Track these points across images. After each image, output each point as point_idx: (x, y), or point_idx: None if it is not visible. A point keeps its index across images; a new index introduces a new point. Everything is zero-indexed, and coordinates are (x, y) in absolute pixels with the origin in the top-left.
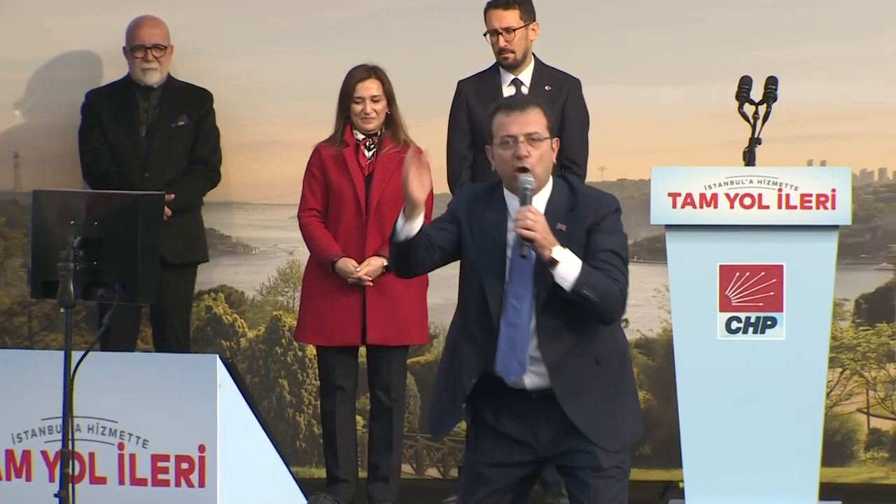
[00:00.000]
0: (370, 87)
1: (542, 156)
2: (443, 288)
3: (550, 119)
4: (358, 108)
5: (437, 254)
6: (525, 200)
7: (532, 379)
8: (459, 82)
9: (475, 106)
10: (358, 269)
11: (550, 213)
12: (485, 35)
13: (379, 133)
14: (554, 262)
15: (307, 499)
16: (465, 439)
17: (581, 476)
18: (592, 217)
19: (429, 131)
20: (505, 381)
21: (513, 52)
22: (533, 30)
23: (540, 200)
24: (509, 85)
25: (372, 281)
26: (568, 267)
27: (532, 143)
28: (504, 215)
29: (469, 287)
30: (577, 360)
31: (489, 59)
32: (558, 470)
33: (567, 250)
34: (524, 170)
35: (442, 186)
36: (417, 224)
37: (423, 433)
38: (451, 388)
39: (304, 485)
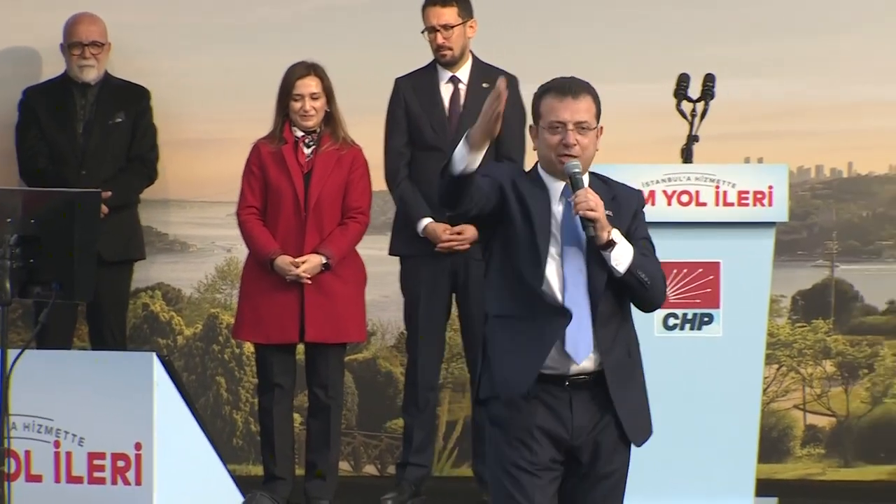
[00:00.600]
0: (309, 85)
1: (588, 144)
2: (380, 285)
3: (599, 106)
4: (297, 105)
5: (484, 201)
6: (578, 184)
7: (584, 363)
8: (397, 80)
9: (413, 103)
10: (296, 267)
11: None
12: (423, 32)
13: (318, 130)
14: (611, 245)
15: (244, 496)
16: (481, 438)
17: (592, 476)
18: (636, 205)
19: (367, 128)
20: (575, 361)
21: (450, 49)
22: (471, 27)
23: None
24: (447, 82)
25: (310, 278)
26: (623, 249)
27: (581, 132)
28: (547, 197)
29: (524, 266)
30: (618, 349)
31: (427, 57)
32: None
33: (620, 234)
34: (569, 157)
35: (380, 184)
36: (479, 158)
37: (361, 430)
38: (527, 340)
39: (241, 482)
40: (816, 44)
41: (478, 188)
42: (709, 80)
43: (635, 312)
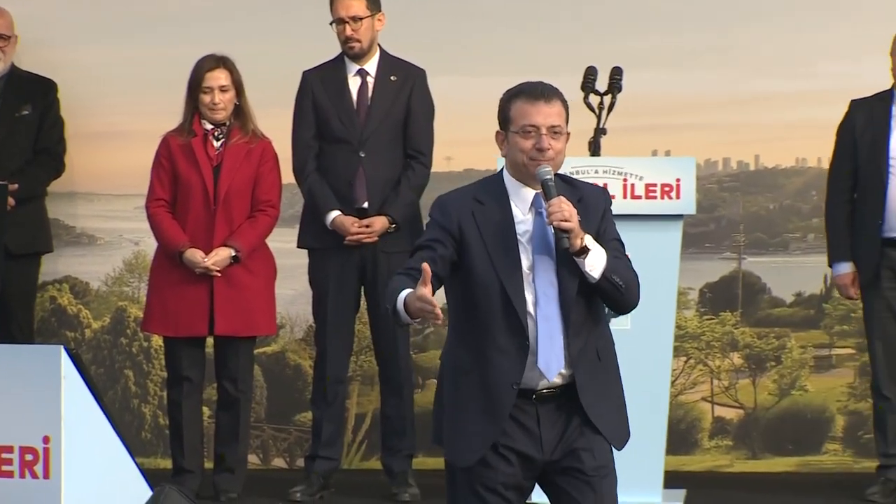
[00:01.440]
0: (218, 78)
1: (560, 149)
2: (289, 278)
3: (568, 111)
4: (206, 98)
5: (444, 270)
6: (551, 192)
7: (555, 378)
8: (304, 73)
9: (320, 95)
10: (205, 260)
11: None
12: (331, 24)
13: (227, 123)
14: (584, 251)
15: (152, 489)
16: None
17: (584, 477)
18: (603, 205)
19: (275, 121)
20: (546, 378)
21: (359, 41)
22: (379, 20)
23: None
24: (355, 75)
25: (219, 271)
26: (597, 255)
27: (553, 136)
28: (509, 208)
29: (482, 297)
30: (588, 354)
31: (335, 49)
32: (547, 474)
33: (591, 238)
34: (541, 162)
35: (288, 177)
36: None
37: (270, 423)
38: (481, 408)
39: (150, 475)
40: (724, 36)
41: (434, 262)
42: (616, 73)
43: None
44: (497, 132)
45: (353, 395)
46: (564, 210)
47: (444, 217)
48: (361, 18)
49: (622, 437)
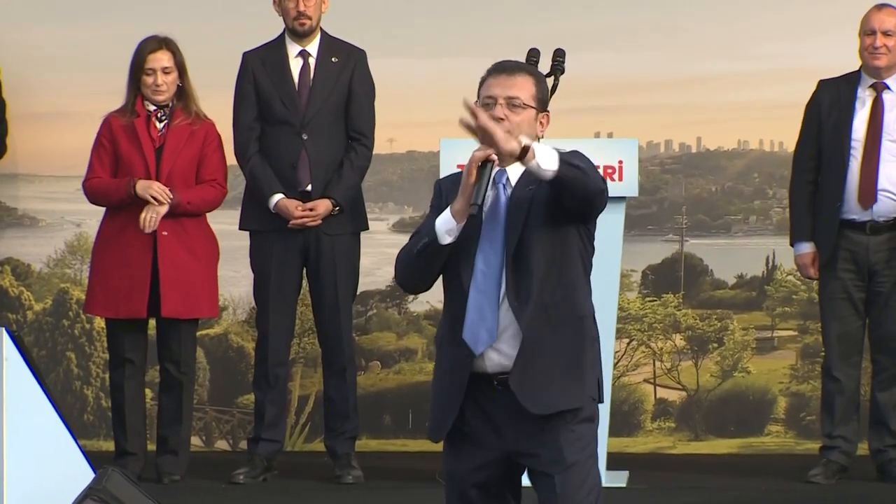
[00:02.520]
0: (161, 59)
1: (520, 123)
2: (231, 261)
3: (542, 91)
4: (149, 79)
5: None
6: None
7: (494, 358)
8: (245, 54)
9: (262, 77)
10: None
11: (524, 178)
12: (275, 0)
13: (170, 104)
14: (526, 151)
15: (95, 472)
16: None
17: (547, 473)
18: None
19: (217, 102)
20: (473, 353)
21: (310, 18)
22: (325, 1)
23: (516, 168)
24: (296, 56)
25: (160, 201)
26: (542, 150)
27: (512, 109)
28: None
29: (450, 271)
30: (534, 334)
31: (277, 30)
32: (528, 470)
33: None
34: None
35: (231, 158)
36: (461, 227)
37: (213, 405)
38: (444, 382)
39: (93, 458)
40: (667, 18)
41: None
42: (558, 54)
43: None
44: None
45: (296, 377)
46: (485, 126)
47: (436, 198)
48: None
49: (550, 402)
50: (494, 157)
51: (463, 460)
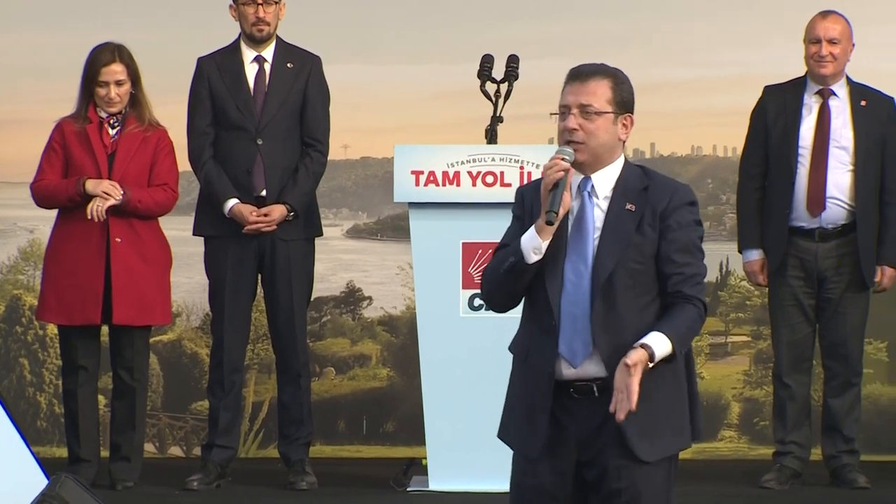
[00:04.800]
0: (115, 72)
1: (595, 130)
2: (184, 267)
3: (622, 93)
4: (102, 91)
5: None
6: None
7: (588, 367)
8: (200, 59)
9: (217, 82)
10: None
11: (619, 192)
12: (233, 6)
13: (123, 111)
14: (649, 359)
15: (48, 478)
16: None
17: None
18: (667, 201)
19: (171, 108)
20: (572, 366)
21: (268, 24)
22: (282, 8)
23: (607, 180)
24: (252, 62)
25: (109, 195)
26: (658, 347)
27: (586, 116)
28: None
29: (535, 282)
30: (627, 344)
31: (231, 36)
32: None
33: (649, 339)
34: (569, 143)
35: (184, 164)
36: (547, 243)
37: (167, 412)
38: (526, 395)
39: (46, 464)
40: (620, 25)
41: None
42: (512, 61)
43: (441, 293)
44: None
45: (250, 383)
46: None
47: (518, 207)
48: (273, 3)
49: (660, 448)
50: (568, 166)
51: (538, 474)
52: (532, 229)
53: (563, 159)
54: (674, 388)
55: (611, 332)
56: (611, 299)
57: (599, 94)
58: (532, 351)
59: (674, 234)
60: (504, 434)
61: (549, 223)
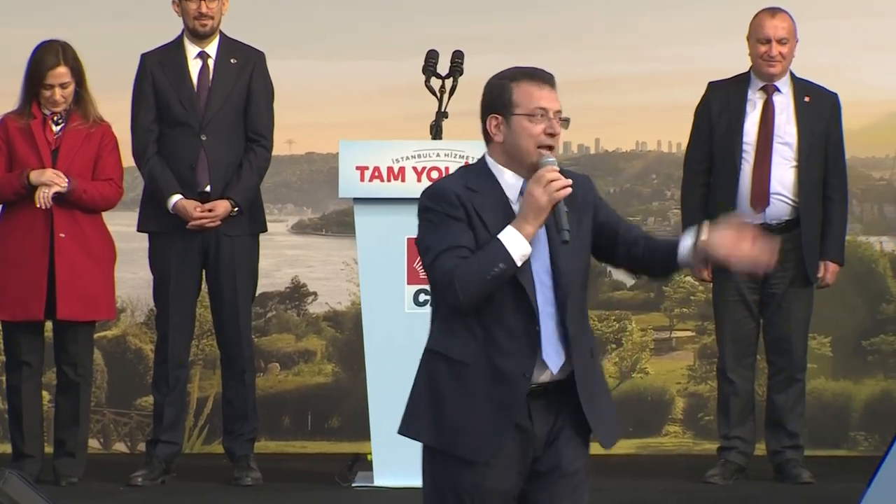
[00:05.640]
0: (60, 75)
1: (559, 139)
2: (129, 262)
3: None
4: (47, 93)
5: None
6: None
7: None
8: (143, 55)
9: (160, 79)
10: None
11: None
12: (175, 2)
13: (68, 108)
14: None
15: None
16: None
17: (564, 480)
18: (591, 189)
19: (115, 104)
20: (551, 370)
21: (211, 18)
22: (225, 3)
23: None
24: (195, 58)
25: (50, 182)
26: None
27: (561, 123)
28: (502, 193)
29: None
30: (583, 347)
31: (175, 32)
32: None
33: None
34: (549, 147)
35: (128, 160)
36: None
37: (111, 407)
38: (490, 399)
39: None
40: (564, 21)
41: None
42: (457, 56)
43: (386, 289)
44: (491, 116)
45: (195, 379)
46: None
47: (452, 207)
48: None
49: (614, 436)
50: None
51: (490, 478)
52: (517, 235)
53: (559, 171)
54: (607, 388)
55: (578, 333)
56: (575, 301)
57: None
58: (495, 355)
59: (610, 211)
60: (443, 439)
61: (567, 242)
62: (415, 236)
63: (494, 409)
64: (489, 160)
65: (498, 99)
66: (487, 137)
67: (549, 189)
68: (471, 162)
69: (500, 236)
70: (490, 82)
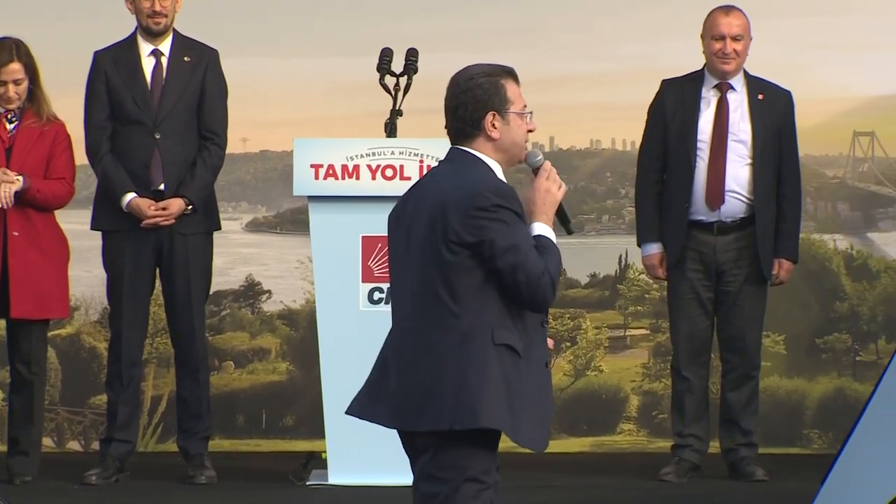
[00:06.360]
0: (13, 72)
1: None
2: (83, 261)
3: None
4: (0, 90)
5: None
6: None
7: None
8: (96, 53)
9: (113, 77)
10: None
11: None
12: (127, 1)
13: (22, 106)
14: None
15: None
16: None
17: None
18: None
19: (68, 102)
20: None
21: (165, 16)
22: (178, 0)
23: None
24: (149, 56)
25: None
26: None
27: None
28: None
29: None
30: None
31: (128, 29)
32: None
33: None
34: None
35: (82, 158)
36: None
37: (65, 406)
38: (539, 389)
39: None
40: (519, 19)
41: None
42: (411, 54)
43: (341, 287)
44: (489, 113)
45: (149, 377)
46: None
47: (518, 204)
48: None
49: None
50: None
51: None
52: (551, 231)
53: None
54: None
55: None
56: None
57: None
58: (530, 346)
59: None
60: (518, 434)
61: (572, 232)
62: (369, 234)
63: (543, 398)
64: (481, 156)
65: (494, 96)
66: (474, 134)
67: (558, 183)
68: (425, 160)
69: (545, 234)
70: (476, 80)
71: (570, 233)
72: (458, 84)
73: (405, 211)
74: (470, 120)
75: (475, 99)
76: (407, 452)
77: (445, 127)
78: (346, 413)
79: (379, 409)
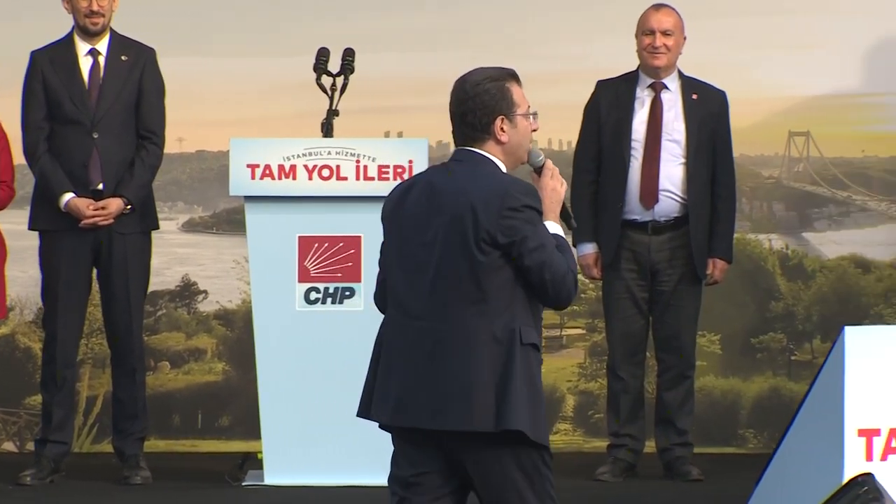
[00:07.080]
0: None
1: None
2: (19, 261)
3: None
4: None
5: None
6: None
7: None
8: (33, 53)
9: (51, 76)
10: None
11: None
12: (64, 0)
13: None
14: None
15: None
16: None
17: None
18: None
19: (4, 102)
20: None
21: (102, 16)
22: (115, 0)
23: None
24: (86, 55)
25: None
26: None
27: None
28: None
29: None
30: None
31: (65, 29)
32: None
33: None
34: None
35: (19, 158)
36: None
37: None
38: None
39: None
40: (455, 19)
41: None
42: (348, 54)
43: (277, 287)
44: (499, 117)
45: (84, 377)
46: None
47: (540, 205)
48: None
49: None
50: None
51: None
52: (561, 230)
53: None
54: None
55: None
56: None
57: None
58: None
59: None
60: (537, 434)
61: (574, 228)
62: (306, 234)
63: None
64: (491, 157)
65: (502, 100)
66: (483, 138)
67: (561, 181)
68: (361, 161)
69: (559, 233)
70: (483, 85)
71: (571, 228)
72: (464, 90)
73: (408, 206)
74: (479, 125)
75: (483, 104)
76: (407, 448)
77: (452, 133)
78: (378, 425)
79: (412, 412)
